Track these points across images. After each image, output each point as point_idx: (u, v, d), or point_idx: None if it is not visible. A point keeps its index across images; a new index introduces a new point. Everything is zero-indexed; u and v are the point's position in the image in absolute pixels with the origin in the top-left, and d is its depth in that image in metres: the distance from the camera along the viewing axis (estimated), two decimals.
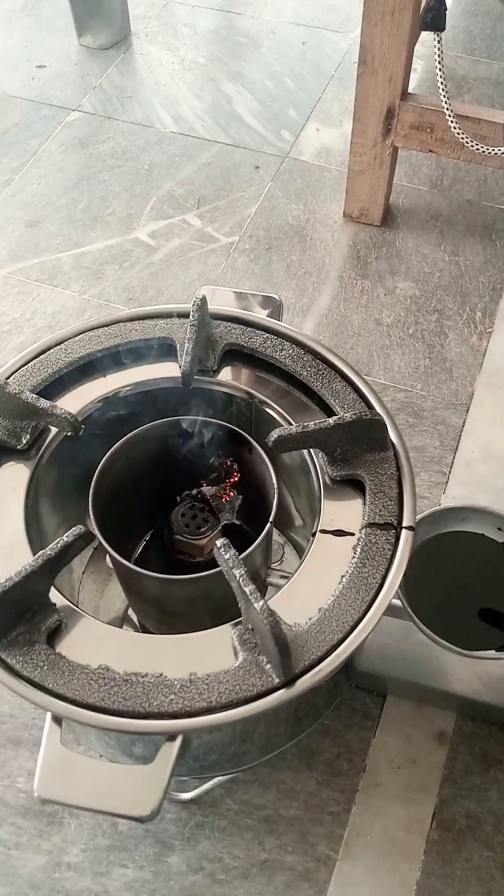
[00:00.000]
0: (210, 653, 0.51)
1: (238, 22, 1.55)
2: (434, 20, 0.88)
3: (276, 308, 0.72)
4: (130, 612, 0.77)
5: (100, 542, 0.57)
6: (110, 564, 0.79)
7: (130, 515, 0.67)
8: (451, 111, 0.96)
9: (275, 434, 0.57)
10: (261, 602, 0.47)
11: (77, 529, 0.52)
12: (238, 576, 0.49)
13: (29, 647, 0.51)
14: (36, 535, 0.58)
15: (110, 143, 1.34)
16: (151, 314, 0.68)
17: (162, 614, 0.66)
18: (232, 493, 0.65)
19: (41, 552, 0.51)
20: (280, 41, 1.51)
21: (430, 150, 1.08)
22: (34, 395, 0.58)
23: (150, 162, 1.31)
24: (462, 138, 0.99)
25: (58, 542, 0.51)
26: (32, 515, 0.59)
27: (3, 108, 1.40)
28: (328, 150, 1.32)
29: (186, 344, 0.62)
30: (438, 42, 0.91)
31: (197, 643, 0.52)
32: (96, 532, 0.57)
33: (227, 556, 0.50)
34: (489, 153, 0.98)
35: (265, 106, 1.39)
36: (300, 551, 0.79)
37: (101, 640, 0.52)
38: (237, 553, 0.50)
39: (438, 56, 0.92)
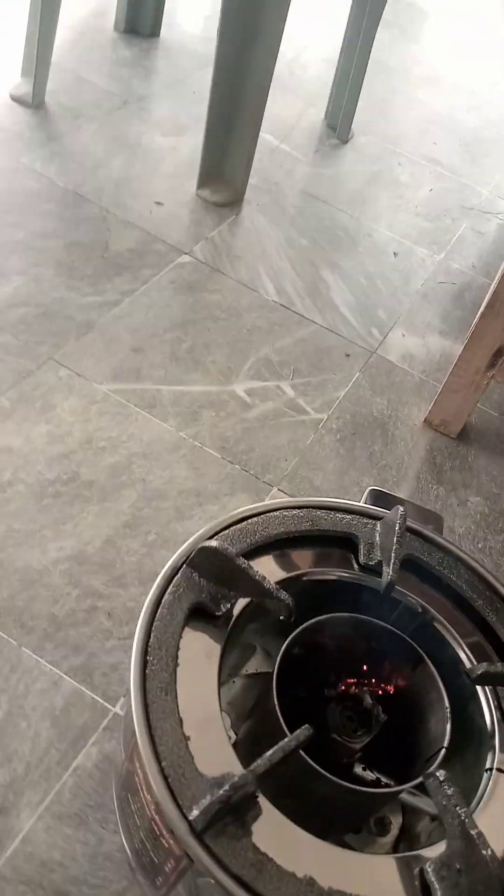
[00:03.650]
0: (399, 881, 0.51)
1: (339, 217, 1.71)
2: None
3: (438, 525, 0.77)
4: None
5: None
6: None
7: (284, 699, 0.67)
8: None
9: (481, 668, 0.60)
10: (489, 850, 0.48)
11: (306, 731, 0.52)
12: (462, 814, 0.50)
13: (236, 841, 0.49)
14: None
15: (216, 295, 1.42)
16: (338, 507, 0.72)
17: (300, 805, 0.65)
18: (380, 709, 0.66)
19: (267, 756, 0.50)
20: (375, 245, 1.66)
21: None
22: (262, 575, 0.60)
23: (252, 324, 1.39)
24: None
25: (287, 745, 0.51)
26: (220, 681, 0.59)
27: (121, 232, 1.48)
28: (412, 356, 1.43)
29: (392, 555, 0.65)
30: None
31: (389, 867, 0.52)
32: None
33: (449, 793, 0.51)
34: None
35: (358, 300, 1.51)
36: None
37: (301, 846, 0.51)
38: (459, 791, 0.52)
39: None
